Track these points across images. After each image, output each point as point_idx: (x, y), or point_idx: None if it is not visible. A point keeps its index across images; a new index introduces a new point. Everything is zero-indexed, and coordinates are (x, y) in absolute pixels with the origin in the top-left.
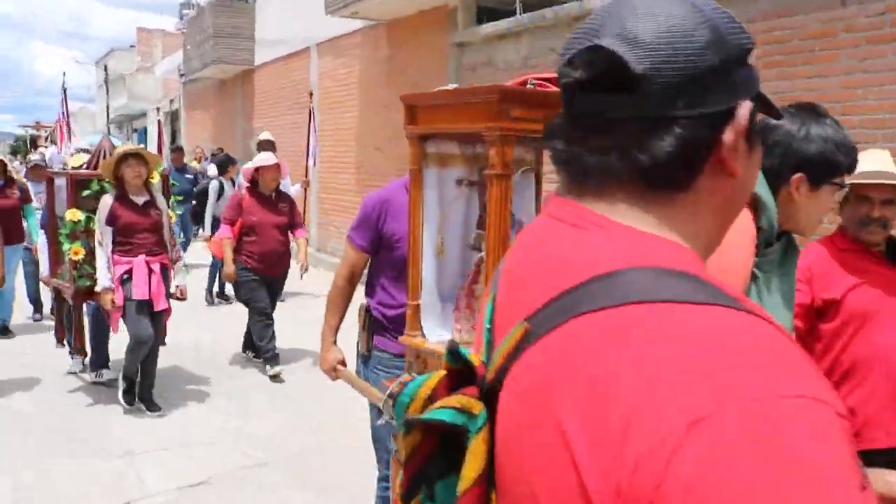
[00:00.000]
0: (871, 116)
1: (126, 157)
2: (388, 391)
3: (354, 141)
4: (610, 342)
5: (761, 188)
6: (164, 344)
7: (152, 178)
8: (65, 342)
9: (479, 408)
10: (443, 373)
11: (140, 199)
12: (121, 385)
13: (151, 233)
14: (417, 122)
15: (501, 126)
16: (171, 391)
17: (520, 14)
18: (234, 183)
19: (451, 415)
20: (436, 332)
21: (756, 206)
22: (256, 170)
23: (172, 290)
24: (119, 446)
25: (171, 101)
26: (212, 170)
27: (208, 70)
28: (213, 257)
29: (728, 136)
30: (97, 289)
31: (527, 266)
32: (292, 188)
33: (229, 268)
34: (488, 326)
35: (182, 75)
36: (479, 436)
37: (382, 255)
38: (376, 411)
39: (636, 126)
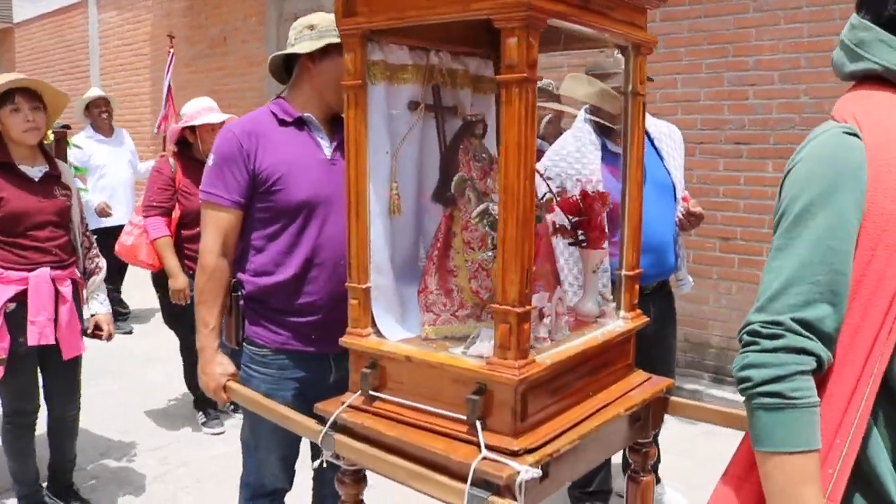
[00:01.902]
0: (767, 57)
1: (11, 94)
2: (331, 419)
3: (149, 108)
4: None
5: None
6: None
7: (46, 138)
8: None
9: None
10: None
11: (36, 171)
12: None
13: (57, 228)
14: (357, 13)
15: (524, 3)
16: None
17: None
18: None
19: None
20: (395, 326)
21: None
22: (192, 129)
23: (85, 323)
24: None
25: None
26: None
27: None
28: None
29: None
30: None
31: None
32: (142, 166)
33: (179, 281)
34: None
35: None
36: None
37: (257, 206)
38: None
39: None
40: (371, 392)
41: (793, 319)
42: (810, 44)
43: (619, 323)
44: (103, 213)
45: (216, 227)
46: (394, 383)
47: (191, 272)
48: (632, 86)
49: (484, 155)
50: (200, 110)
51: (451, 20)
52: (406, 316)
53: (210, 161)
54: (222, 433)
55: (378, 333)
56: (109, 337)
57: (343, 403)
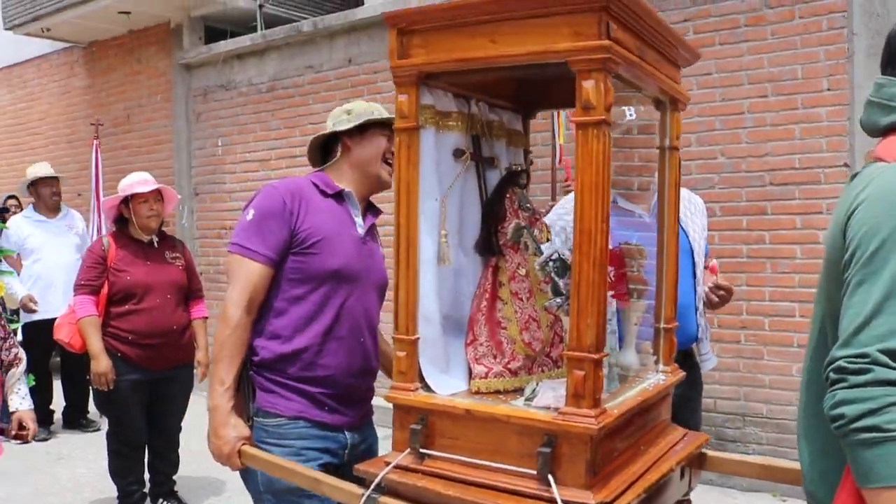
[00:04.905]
0: (683, 121)
1: None
2: (376, 480)
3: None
4: None
5: None
6: None
7: None
8: None
9: None
10: None
11: None
12: None
13: None
14: (413, 54)
15: (604, 46)
16: None
17: (261, 30)
18: None
19: None
20: (442, 379)
21: None
22: (125, 201)
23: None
24: None
25: None
26: None
27: None
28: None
29: None
30: None
31: None
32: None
33: (101, 363)
34: None
35: None
36: None
37: (287, 267)
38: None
39: None
40: (421, 450)
41: (879, 350)
42: (723, 107)
43: (661, 377)
44: (26, 307)
45: (246, 281)
46: (446, 440)
47: (118, 353)
48: (669, 140)
49: (528, 205)
50: (133, 183)
51: (521, 63)
52: (450, 368)
53: (249, 216)
54: None
55: (426, 387)
56: (34, 436)
57: (388, 463)
